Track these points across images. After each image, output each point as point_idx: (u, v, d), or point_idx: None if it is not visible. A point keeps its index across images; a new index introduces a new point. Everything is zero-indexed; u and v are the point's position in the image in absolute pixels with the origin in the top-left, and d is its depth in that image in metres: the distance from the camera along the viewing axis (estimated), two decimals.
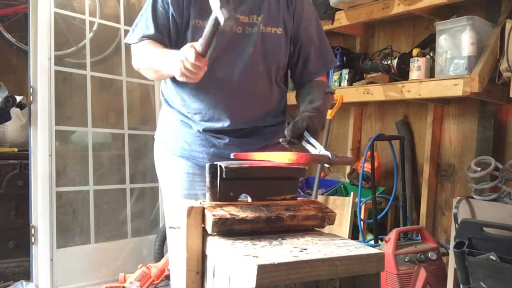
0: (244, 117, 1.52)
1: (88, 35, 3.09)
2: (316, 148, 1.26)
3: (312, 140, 1.29)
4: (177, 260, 1.17)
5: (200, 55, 1.23)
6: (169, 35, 1.50)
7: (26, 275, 2.81)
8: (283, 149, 1.63)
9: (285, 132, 1.34)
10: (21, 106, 2.89)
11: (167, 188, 1.62)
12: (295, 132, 1.32)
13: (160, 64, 1.42)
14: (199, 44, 1.23)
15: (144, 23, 1.50)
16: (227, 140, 1.52)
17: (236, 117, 1.51)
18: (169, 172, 1.60)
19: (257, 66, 1.51)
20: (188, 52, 1.23)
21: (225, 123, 1.51)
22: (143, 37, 1.49)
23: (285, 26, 1.53)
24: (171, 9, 1.47)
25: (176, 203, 1.17)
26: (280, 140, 1.35)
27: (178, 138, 1.57)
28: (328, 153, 1.19)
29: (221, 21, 1.14)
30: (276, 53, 1.53)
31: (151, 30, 1.48)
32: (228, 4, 1.14)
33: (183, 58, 1.24)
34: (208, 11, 1.45)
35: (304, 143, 1.32)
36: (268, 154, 1.21)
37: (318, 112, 1.39)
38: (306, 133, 1.32)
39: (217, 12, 1.15)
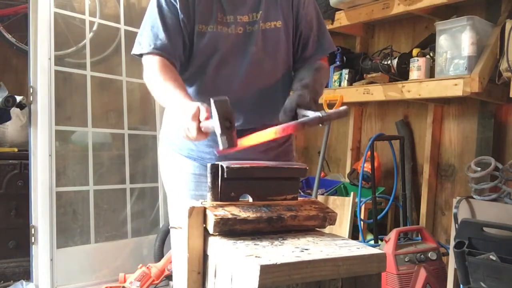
0: (254, 116, 1.50)
1: (88, 35, 3.08)
2: (309, 115, 1.20)
3: (304, 111, 1.23)
4: (178, 260, 1.17)
5: (201, 132, 1.18)
6: (183, 42, 1.44)
7: (26, 275, 2.81)
8: (289, 147, 1.63)
9: (279, 118, 1.30)
10: (21, 106, 2.89)
11: (172, 188, 1.61)
12: (288, 115, 1.28)
13: (167, 105, 1.40)
14: (203, 120, 1.16)
15: (152, 32, 1.43)
16: None
17: (245, 117, 1.49)
18: (175, 173, 1.59)
19: (261, 64, 1.49)
20: (191, 126, 1.17)
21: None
22: (154, 48, 1.41)
23: (284, 17, 1.51)
24: (181, 16, 1.42)
25: (179, 203, 1.17)
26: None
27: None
28: (318, 113, 1.14)
29: (220, 147, 1.10)
30: (277, 47, 1.51)
31: (164, 40, 1.41)
32: (229, 131, 1.08)
33: (186, 129, 1.20)
34: (211, 16, 1.44)
35: (301, 119, 1.26)
36: (252, 137, 1.17)
37: (305, 88, 1.36)
38: (299, 110, 1.27)
39: (218, 136, 1.10)
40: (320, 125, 1.17)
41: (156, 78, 1.40)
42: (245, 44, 1.47)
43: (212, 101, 1.10)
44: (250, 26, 1.48)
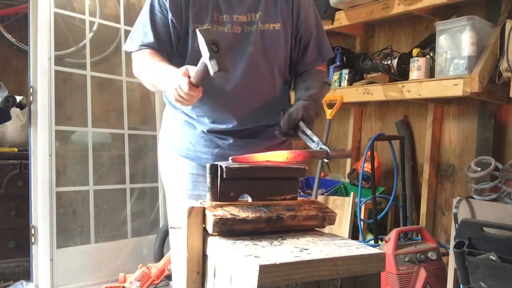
0: (249, 117, 1.51)
1: (88, 35, 3.09)
2: (314, 141, 1.25)
3: (309, 132, 1.28)
4: (178, 260, 1.17)
5: (193, 86, 1.22)
6: (170, 41, 1.48)
7: (26, 275, 2.81)
8: (288, 147, 1.64)
9: (281, 123, 1.33)
10: (21, 106, 2.89)
11: (170, 188, 1.62)
12: (290, 124, 1.32)
13: (157, 82, 1.43)
14: (193, 73, 1.21)
15: (142, 30, 1.48)
16: (231, 140, 1.52)
17: (240, 118, 1.50)
18: (173, 173, 1.60)
19: (258, 64, 1.50)
20: (182, 81, 1.22)
21: (230, 125, 1.50)
22: (142, 45, 1.47)
23: (284, 20, 1.52)
24: (170, 15, 1.45)
25: (178, 203, 1.17)
26: (276, 132, 1.35)
27: (183, 138, 1.56)
28: (326, 148, 1.19)
29: (211, 72, 1.12)
30: (276, 50, 1.52)
31: (150, 38, 1.46)
32: (217, 54, 1.11)
33: (177, 86, 1.24)
34: (207, 15, 1.45)
35: (301, 134, 1.31)
36: (266, 155, 1.20)
37: (313, 100, 1.39)
38: (301, 124, 1.31)
39: (207, 62, 1.12)
40: (325, 160, 1.23)
41: (143, 62, 1.46)
42: (243, 44, 1.48)
43: (197, 30, 1.14)
44: (248, 26, 1.48)
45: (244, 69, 1.47)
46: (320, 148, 1.22)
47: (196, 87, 1.22)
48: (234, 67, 1.47)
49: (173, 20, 1.46)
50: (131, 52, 1.53)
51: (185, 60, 1.48)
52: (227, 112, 1.49)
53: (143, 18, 1.49)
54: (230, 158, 1.15)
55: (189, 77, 1.22)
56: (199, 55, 1.47)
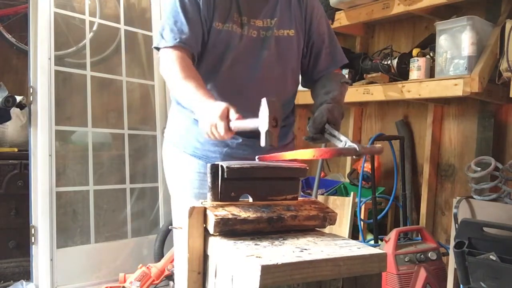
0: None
1: (88, 35, 3.08)
2: (342, 140, 1.24)
3: (336, 133, 1.29)
4: (180, 260, 1.17)
5: (229, 131, 1.21)
6: (202, 38, 1.47)
7: (26, 275, 2.81)
8: (294, 149, 1.65)
9: (307, 129, 1.34)
10: (21, 106, 2.89)
11: (176, 187, 1.62)
12: (317, 128, 1.33)
13: (189, 104, 1.39)
14: (234, 120, 1.20)
15: (177, 26, 1.44)
16: (240, 140, 1.53)
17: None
18: (179, 171, 1.60)
19: (272, 69, 1.52)
20: (220, 124, 1.20)
21: None
22: (179, 41, 1.43)
23: (297, 27, 1.55)
24: (203, 11, 1.45)
25: (180, 203, 1.18)
26: (304, 138, 1.36)
27: (191, 137, 1.56)
28: (355, 145, 1.17)
29: (262, 144, 1.13)
30: (289, 55, 1.55)
31: (188, 34, 1.43)
32: (274, 129, 1.12)
33: (213, 124, 1.22)
34: (228, 15, 1.46)
35: (328, 136, 1.32)
36: (292, 153, 1.20)
37: (335, 102, 1.40)
38: (327, 126, 1.32)
39: (262, 131, 1.13)
40: (354, 156, 1.21)
41: (176, 75, 1.41)
42: (258, 48, 1.50)
43: (264, 100, 1.14)
44: (264, 32, 1.51)
45: (259, 73, 1.50)
46: (348, 146, 1.20)
47: (231, 132, 1.22)
48: (249, 69, 1.49)
49: (205, 15, 1.46)
50: (159, 49, 1.48)
51: (203, 57, 1.49)
52: (239, 113, 1.50)
53: (175, 15, 1.46)
54: (256, 157, 1.15)
55: (228, 121, 1.20)
56: (216, 54, 1.47)
